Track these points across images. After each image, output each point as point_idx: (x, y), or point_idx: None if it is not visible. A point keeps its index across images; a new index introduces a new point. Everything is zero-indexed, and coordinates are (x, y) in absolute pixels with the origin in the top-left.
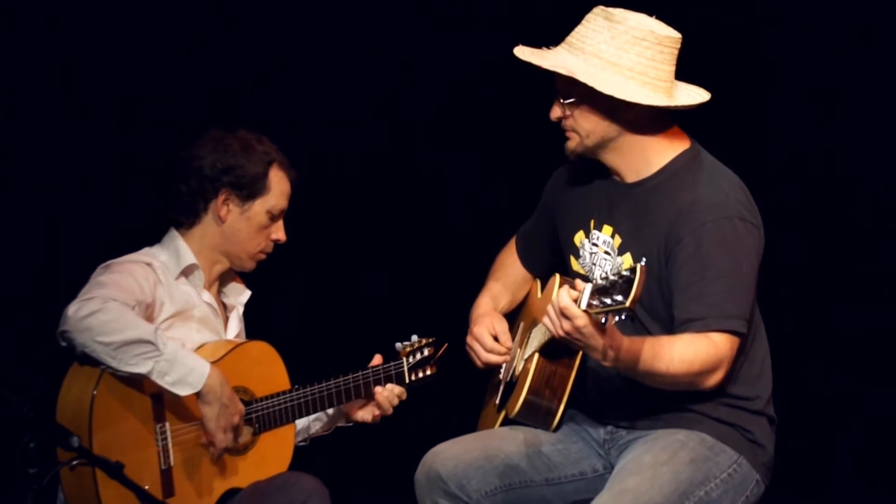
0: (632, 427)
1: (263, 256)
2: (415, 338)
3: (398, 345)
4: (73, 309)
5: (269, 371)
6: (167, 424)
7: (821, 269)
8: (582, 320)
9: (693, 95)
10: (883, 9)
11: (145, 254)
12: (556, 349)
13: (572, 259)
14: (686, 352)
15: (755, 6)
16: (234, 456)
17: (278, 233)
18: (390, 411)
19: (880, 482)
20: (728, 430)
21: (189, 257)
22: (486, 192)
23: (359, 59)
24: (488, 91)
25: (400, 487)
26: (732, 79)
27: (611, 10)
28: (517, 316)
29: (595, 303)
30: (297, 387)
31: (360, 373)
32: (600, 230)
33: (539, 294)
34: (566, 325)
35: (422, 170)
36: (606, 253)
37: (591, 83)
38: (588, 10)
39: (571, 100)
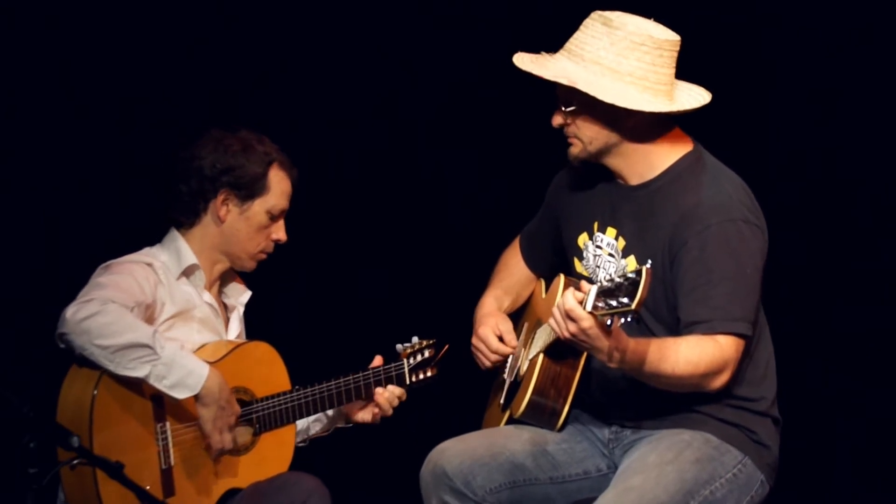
0: (636, 427)
1: (264, 256)
2: (415, 339)
3: (399, 346)
4: (71, 311)
5: (269, 371)
6: (167, 424)
7: (821, 269)
8: (587, 322)
9: (694, 97)
10: (883, 9)
11: (146, 254)
12: (561, 349)
13: (576, 261)
14: (692, 353)
15: (755, 6)
16: (235, 456)
17: (279, 233)
18: (390, 412)
19: (880, 482)
20: (733, 431)
21: (190, 257)
22: (486, 192)
23: (359, 59)
24: (488, 91)
25: (400, 487)
26: (732, 79)
27: (608, 15)
28: (521, 316)
29: (601, 304)
30: (297, 387)
31: (360, 374)
32: (604, 232)
33: (543, 294)
34: (572, 326)
35: (422, 170)
36: (610, 255)
37: (592, 92)
38: (588, 10)
39: (573, 108)
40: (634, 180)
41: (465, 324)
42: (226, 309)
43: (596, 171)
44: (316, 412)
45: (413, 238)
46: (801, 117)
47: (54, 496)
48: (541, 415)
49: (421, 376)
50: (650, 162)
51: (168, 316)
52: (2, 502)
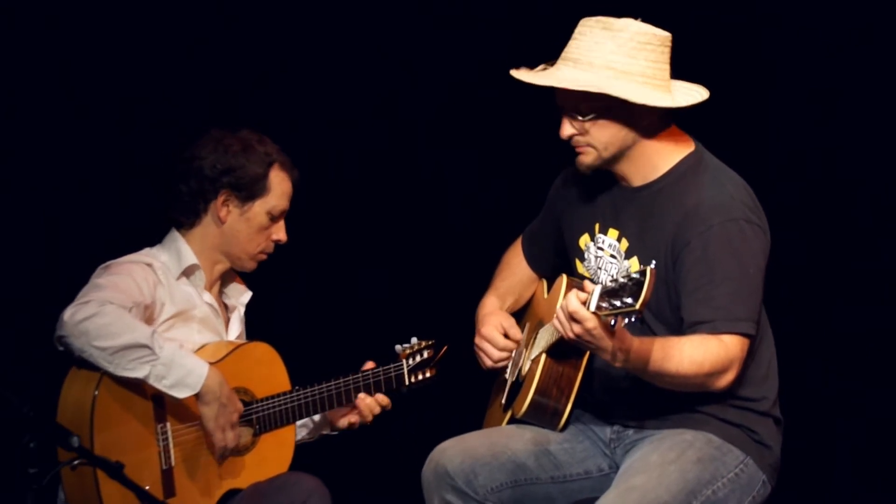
0: (639, 427)
1: (264, 257)
2: (414, 340)
3: (398, 347)
4: (69, 313)
5: (269, 372)
6: (168, 425)
7: (821, 269)
8: (592, 322)
9: (692, 92)
10: (883, 9)
11: (146, 254)
12: (563, 349)
13: (577, 262)
14: (696, 353)
15: (755, 6)
16: (235, 456)
17: (279, 233)
18: (370, 419)
19: (880, 482)
20: (735, 431)
21: (190, 258)
22: (486, 192)
23: (359, 59)
24: (488, 91)
25: (400, 487)
26: (732, 79)
27: (605, 19)
28: (522, 316)
29: (604, 305)
30: (297, 388)
31: (360, 374)
32: (605, 234)
33: (545, 294)
34: (576, 327)
35: (422, 170)
36: (612, 256)
37: (625, 96)
38: (588, 11)
39: (591, 115)
40: (637, 181)
41: (465, 324)
42: (226, 309)
43: (598, 173)
44: (316, 412)
45: (413, 238)
46: (801, 117)
47: (54, 496)
48: (543, 415)
49: (420, 377)
50: (654, 163)
51: (168, 316)
52: (2, 502)
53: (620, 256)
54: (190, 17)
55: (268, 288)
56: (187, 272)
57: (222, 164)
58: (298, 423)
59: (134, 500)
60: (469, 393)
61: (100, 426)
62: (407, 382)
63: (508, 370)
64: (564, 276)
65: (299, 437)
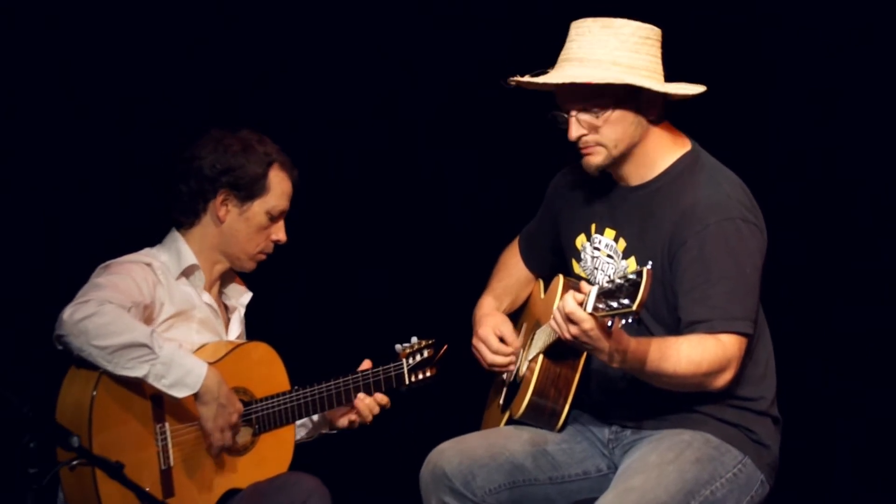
0: (637, 427)
1: (263, 257)
2: (414, 339)
3: (398, 346)
4: (68, 312)
5: (269, 372)
6: (167, 425)
7: (821, 269)
8: (588, 324)
9: (686, 85)
10: (883, 9)
11: (145, 254)
12: (561, 350)
13: (574, 262)
14: (694, 352)
15: (755, 6)
16: (234, 456)
17: (279, 233)
18: (369, 419)
19: (880, 482)
20: (733, 431)
21: (190, 258)
22: (486, 192)
23: (359, 59)
24: (488, 91)
25: (400, 487)
26: (732, 79)
27: (601, 19)
28: (519, 317)
29: (601, 306)
30: (297, 388)
31: (359, 374)
32: (602, 234)
33: (542, 295)
34: (573, 329)
35: (422, 170)
36: (609, 256)
37: (648, 85)
38: (587, 10)
39: (604, 112)
40: (635, 181)
41: (465, 324)
42: (226, 310)
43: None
44: (315, 412)
45: (413, 238)
46: (801, 117)
47: (54, 496)
48: (541, 415)
49: (420, 376)
50: (652, 161)
51: (167, 316)
52: (2, 502)
53: (618, 256)
54: (190, 17)
55: (268, 288)
56: (187, 272)
57: (221, 163)
58: (297, 422)
59: (133, 500)
60: (469, 393)
61: (98, 426)
62: (407, 382)
63: (511, 370)
64: (561, 277)
65: (298, 436)
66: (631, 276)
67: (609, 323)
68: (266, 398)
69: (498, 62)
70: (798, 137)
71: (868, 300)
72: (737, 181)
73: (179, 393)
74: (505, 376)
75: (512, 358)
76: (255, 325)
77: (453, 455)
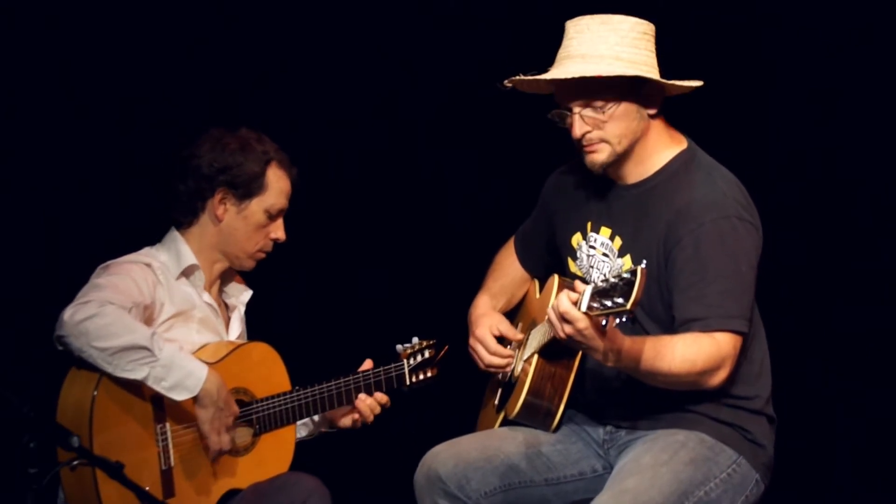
0: (631, 428)
1: (263, 255)
2: (415, 340)
3: (399, 347)
4: (68, 313)
5: (269, 372)
6: (167, 425)
7: (821, 269)
8: (583, 323)
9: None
10: (883, 9)
11: (145, 254)
12: (556, 350)
13: (569, 261)
14: (688, 351)
15: (755, 6)
16: (235, 457)
17: (278, 232)
18: (371, 419)
19: (880, 482)
20: (728, 431)
21: (189, 258)
22: (486, 192)
23: (359, 59)
24: (488, 91)
25: (400, 487)
26: (732, 79)
27: (600, 16)
28: (515, 316)
29: (595, 305)
30: (297, 388)
31: (360, 374)
32: (598, 232)
33: (537, 294)
34: (567, 328)
35: (422, 170)
36: (605, 255)
37: (655, 76)
38: (587, 10)
39: (608, 106)
40: (631, 179)
41: (465, 324)
42: (227, 308)
43: (590, 171)
44: (316, 412)
45: (413, 238)
46: (801, 117)
47: (54, 496)
48: (536, 415)
49: (421, 377)
50: (648, 160)
51: (167, 316)
52: (2, 502)
53: (613, 255)
54: (190, 17)
55: (268, 288)
56: (187, 272)
57: (219, 162)
58: (298, 421)
59: (133, 500)
60: (469, 393)
61: (99, 427)
62: (408, 382)
63: (507, 371)
64: (556, 276)
65: (298, 435)
66: (625, 275)
67: (603, 322)
68: (266, 398)
69: (498, 62)
70: (798, 137)
71: (868, 300)
72: (732, 179)
73: (179, 395)
74: (500, 376)
75: (510, 359)
76: (255, 325)
77: (448, 458)
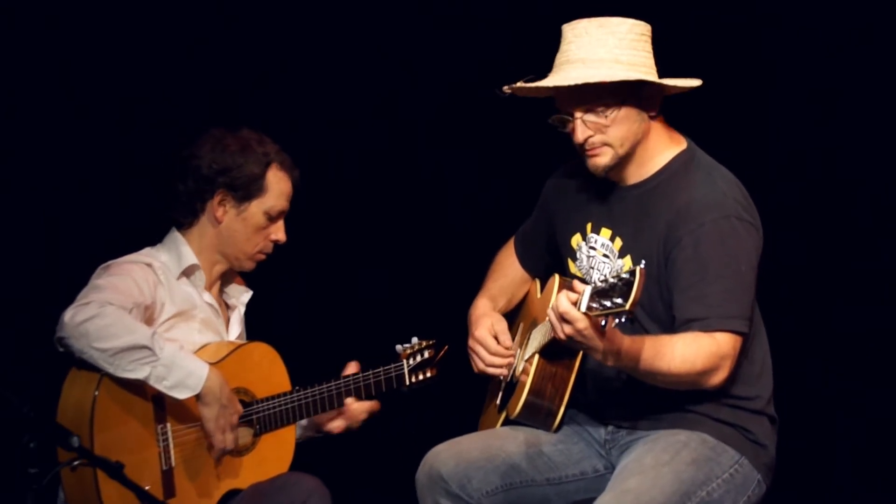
0: (632, 428)
1: (262, 257)
2: (415, 340)
3: (398, 347)
4: (69, 314)
5: (269, 372)
6: (168, 425)
7: (821, 269)
8: (582, 323)
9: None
10: (883, 9)
11: (146, 254)
12: (557, 350)
13: (569, 261)
14: (688, 351)
15: (755, 6)
16: (235, 457)
17: (278, 233)
18: (357, 425)
19: (880, 482)
20: (729, 431)
21: (190, 258)
22: (486, 192)
23: (359, 59)
24: (488, 91)
25: (400, 487)
26: (732, 79)
27: (597, 19)
28: (516, 316)
29: (595, 305)
30: (297, 388)
31: (360, 374)
32: (598, 233)
33: (538, 294)
34: (567, 328)
35: (422, 170)
36: (605, 256)
37: (660, 81)
38: (587, 10)
39: (611, 110)
40: (631, 180)
41: (465, 324)
42: (227, 308)
43: (591, 173)
44: (316, 413)
45: (413, 238)
46: (801, 117)
47: (54, 496)
48: (537, 415)
49: (421, 377)
50: (648, 161)
51: (168, 316)
52: (2, 502)
53: (614, 255)
54: (190, 17)
55: (268, 288)
56: (187, 272)
57: (219, 163)
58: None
59: (133, 500)
60: (469, 393)
61: (100, 427)
62: (407, 382)
63: (506, 373)
64: (557, 276)
65: None
66: (624, 276)
67: (603, 322)
68: (267, 399)
69: (498, 62)
70: (798, 137)
71: (868, 300)
72: (732, 179)
73: (181, 394)
74: (501, 376)
75: (509, 360)
76: (255, 325)
77: (449, 457)
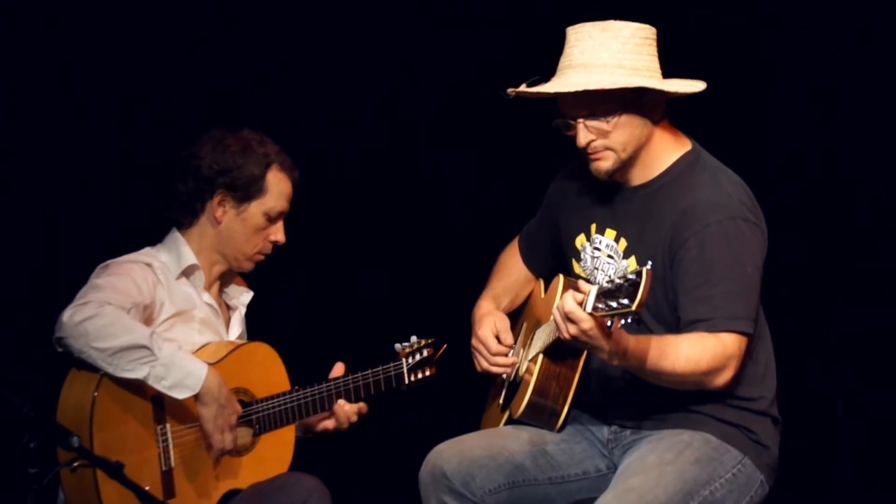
0: (636, 428)
1: (262, 257)
2: (414, 338)
3: (397, 346)
4: (68, 314)
5: (269, 372)
6: (168, 426)
7: (821, 269)
8: (587, 323)
9: (689, 83)
10: (883, 9)
11: (145, 254)
12: (561, 350)
13: (574, 262)
14: (692, 351)
15: (755, 6)
16: (235, 457)
17: (277, 234)
18: (345, 426)
19: (880, 482)
20: (732, 431)
21: (190, 258)
22: (486, 192)
23: (359, 59)
24: (488, 91)
25: (400, 487)
26: (732, 79)
27: (601, 23)
28: (519, 316)
29: (601, 306)
30: (297, 388)
31: (359, 374)
32: (602, 234)
33: (542, 294)
34: (572, 328)
35: (422, 170)
36: (609, 257)
37: (661, 87)
38: (587, 10)
39: (612, 116)
40: (636, 181)
41: (465, 324)
42: (228, 309)
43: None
44: (316, 412)
45: (413, 238)
46: (801, 117)
47: (54, 496)
48: (540, 415)
49: (420, 375)
50: (653, 162)
51: (167, 316)
52: (2, 502)
53: (618, 256)
54: (190, 17)
55: (267, 288)
56: (187, 272)
57: (219, 164)
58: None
59: (133, 500)
60: (468, 392)
61: (99, 427)
62: (406, 381)
63: (508, 372)
64: (561, 276)
65: None
66: (630, 276)
67: (608, 323)
68: (266, 398)
69: (498, 62)
70: (798, 137)
71: (868, 300)
72: (738, 181)
73: (180, 394)
74: (504, 376)
75: (511, 360)
76: (255, 325)
77: (452, 455)
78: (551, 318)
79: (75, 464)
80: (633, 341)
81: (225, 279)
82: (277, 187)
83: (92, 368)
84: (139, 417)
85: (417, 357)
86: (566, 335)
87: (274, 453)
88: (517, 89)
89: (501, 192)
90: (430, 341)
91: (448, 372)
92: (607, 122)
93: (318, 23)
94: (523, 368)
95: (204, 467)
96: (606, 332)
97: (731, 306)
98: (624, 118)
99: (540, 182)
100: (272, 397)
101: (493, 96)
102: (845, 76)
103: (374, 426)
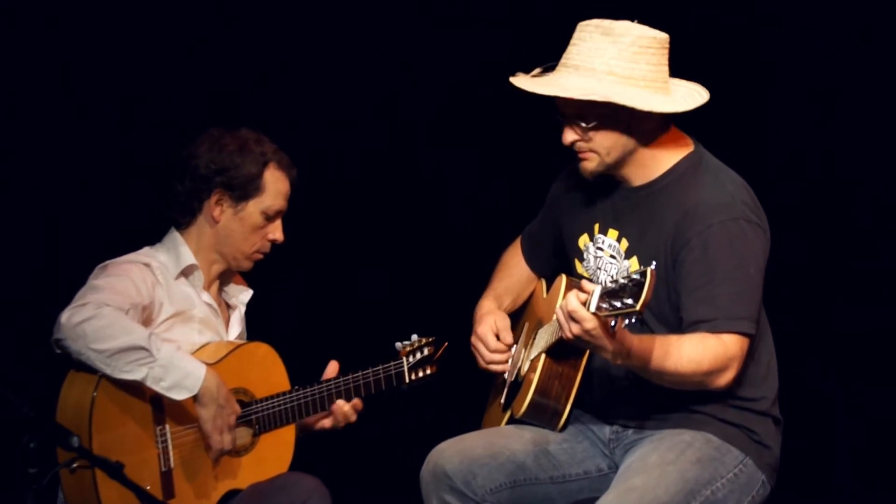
0: (638, 427)
1: (260, 256)
2: (414, 337)
3: (398, 344)
4: (66, 316)
5: (269, 372)
6: (167, 427)
7: (821, 269)
8: (591, 323)
9: (693, 93)
10: (883, 9)
11: (144, 254)
12: (563, 349)
13: (576, 262)
14: (695, 351)
15: (755, 6)
16: (235, 457)
17: (275, 233)
18: (342, 426)
19: (880, 482)
20: (734, 431)
21: (188, 258)
22: (486, 192)
23: (359, 59)
24: (488, 91)
25: (401, 486)
26: (732, 79)
27: (605, 24)
28: (521, 315)
29: (604, 306)
30: (296, 388)
31: (360, 373)
32: (605, 234)
33: (544, 294)
34: (575, 328)
35: (422, 170)
36: (612, 257)
37: (630, 103)
38: (588, 10)
39: (594, 122)
40: (637, 181)
41: (465, 323)
42: (228, 308)
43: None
44: (315, 412)
45: (413, 238)
46: (801, 117)
47: (54, 496)
48: (542, 415)
49: (420, 374)
50: (654, 164)
51: (167, 316)
52: (2, 502)
53: (620, 257)
54: (190, 17)
55: (267, 288)
56: (186, 272)
57: (216, 163)
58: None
59: (133, 500)
60: (469, 391)
61: (98, 428)
62: (407, 380)
63: (507, 370)
64: (564, 276)
65: None
66: (635, 276)
67: (612, 323)
68: (266, 398)
69: (498, 62)
70: (798, 137)
71: (868, 300)
72: (740, 182)
73: (178, 395)
74: (506, 375)
75: (509, 356)
76: (255, 325)
77: (454, 454)
78: (554, 317)
79: (75, 464)
80: (636, 341)
81: (224, 278)
82: (275, 186)
83: (91, 370)
84: (138, 418)
85: (418, 356)
86: (569, 335)
87: (274, 453)
88: (516, 76)
89: (501, 192)
90: (430, 340)
91: (449, 371)
92: (587, 127)
93: (318, 23)
94: (525, 368)
95: (203, 468)
96: (610, 331)
97: (734, 307)
98: (604, 128)
99: (540, 182)
100: (272, 397)
101: (493, 96)
102: (845, 76)
103: (374, 425)
